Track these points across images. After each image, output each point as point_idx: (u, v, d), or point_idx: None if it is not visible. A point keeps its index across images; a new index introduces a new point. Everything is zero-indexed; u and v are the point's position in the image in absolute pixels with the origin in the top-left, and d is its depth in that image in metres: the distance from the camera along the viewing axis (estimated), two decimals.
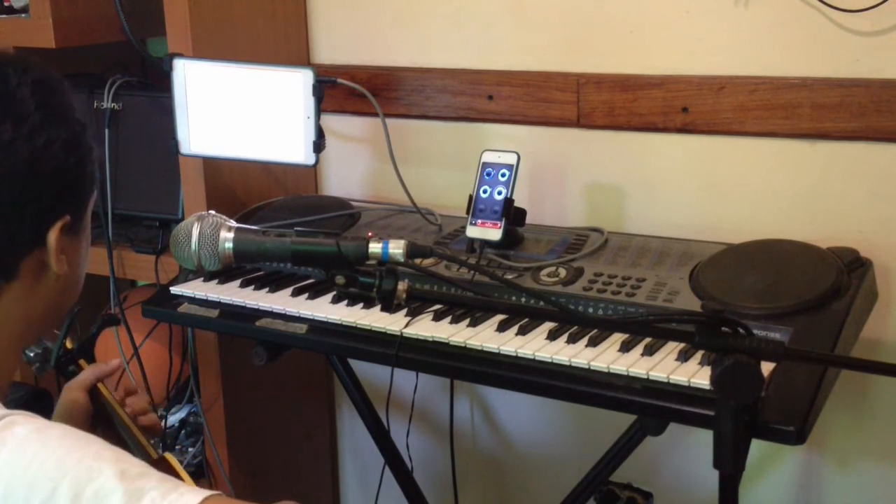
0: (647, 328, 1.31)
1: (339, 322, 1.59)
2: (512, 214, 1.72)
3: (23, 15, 1.99)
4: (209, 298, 1.72)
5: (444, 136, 2.08)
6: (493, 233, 1.71)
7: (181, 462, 1.42)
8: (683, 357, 1.38)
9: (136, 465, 0.90)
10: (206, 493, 0.88)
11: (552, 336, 1.47)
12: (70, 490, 0.86)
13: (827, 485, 1.87)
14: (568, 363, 1.40)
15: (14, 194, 1.01)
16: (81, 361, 1.49)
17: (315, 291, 1.69)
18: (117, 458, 0.90)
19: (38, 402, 1.98)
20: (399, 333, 1.52)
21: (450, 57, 2.03)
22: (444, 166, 2.08)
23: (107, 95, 2.01)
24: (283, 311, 1.64)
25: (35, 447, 0.89)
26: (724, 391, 1.11)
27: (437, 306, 1.56)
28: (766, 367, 1.22)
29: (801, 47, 1.71)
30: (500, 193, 1.71)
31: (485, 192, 1.73)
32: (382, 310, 1.57)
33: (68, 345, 1.48)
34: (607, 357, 1.40)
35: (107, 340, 2.10)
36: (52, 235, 1.04)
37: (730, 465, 1.16)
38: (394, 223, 1.93)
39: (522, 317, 1.51)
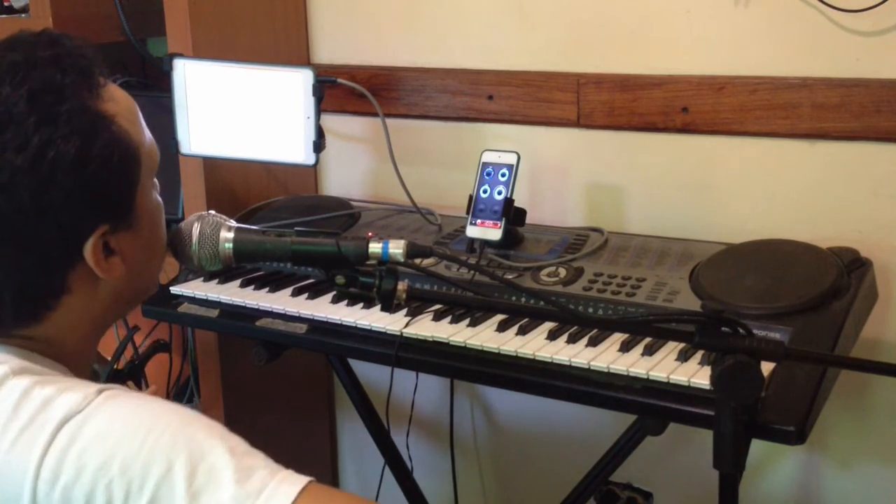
0: (647, 328, 1.31)
1: (339, 322, 1.59)
2: (512, 214, 1.71)
3: (23, 15, 1.99)
4: (209, 298, 1.72)
5: (444, 136, 2.08)
6: (493, 233, 1.71)
7: None
8: (683, 357, 1.38)
9: (240, 442, 0.91)
10: (307, 478, 0.89)
11: (552, 336, 1.47)
12: (186, 466, 0.86)
13: (827, 485, 1.87)
14: (568, 363, 1.40)
15: (27, 229, 0.95)
16: (129, 383, 1.49)
17: (315, 291, 1.69)
18: (224, 435, 0.91)
19: None
20: (399, 333, 1.52)
21: (450, 57, 2.03)
22: (444, 166, 2.08)
23: None
24: (283, 311, 1.64)
25: (147, 419, 0.89)
26: (724, 391, 1.11)
27: (437, 306, 1.56)
28: (766, 367, 1.22)
29: (801, 47, 1.70)
30: (500, 193, 1.71)
31: (485, 192, 1.73)
32: (382, 310, 1.56)
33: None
34: (607, 357, 1.40)
35: (107, 340, 2.10)
36: (88, 251, 0.98)
37: (730, 465, 1.16)
38: (394, 223, 1.93)
39: (522, 317, 1.51)
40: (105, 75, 1.02)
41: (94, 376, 1.43)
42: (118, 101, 1.02)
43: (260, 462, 0.89)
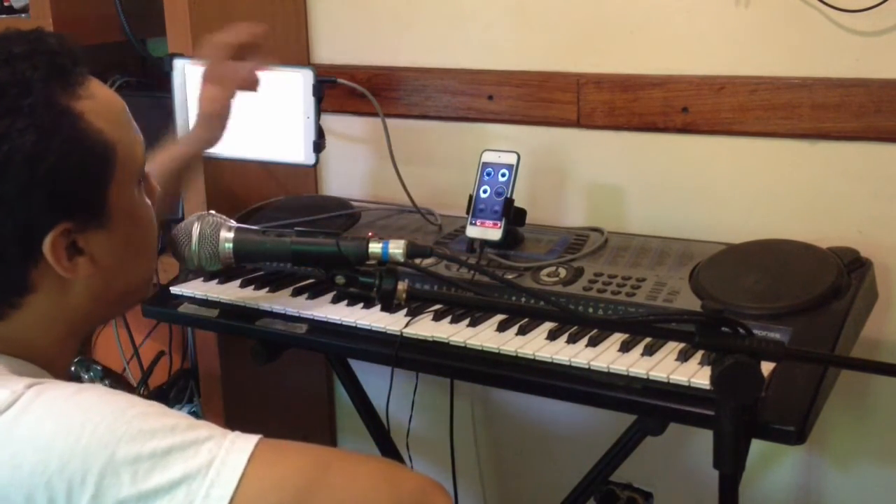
0: (647, 328, 1.31)
1: (339, 322, 1.59)
2: (512, 214, 1.72)
3: (23, 15, 1.99)
4: (209, 298, 1.72)
5: (444, 136, 2.08)
6: (493, 233, 1.71)
7: None
8: (683, 357, 1.38)
9: (182, 417, 0.90)
10: (255, 437, 0.90)
11: (552, 336, 1.47)
12: (128, 453, 0.85)
13: (827, 485, 1.87)
14: (568, 363, 1.40)
15: None
16: None
17: (315, 291, 1.69)
18: (163, 413, 0.90)
19: None
20: (399, 333, 1.52)
21: (450, 57, 2.03)
22: (444, 166, 2.08)
23: None
24: (283, 311, 1.64)
25: (81, 412, 0.87)
26: (724, 391, 1.11)
27: (437, 306, 1.56)
28: (766, 367, 1.22)
29: (801, 47, 1.70)
30: (500, 193, 1.71)
31: (485, 192, 1.73)
32: (382, 310, 1.57)
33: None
34: (607, 357, 1.40)
35: (107, 340, 2.10)
36: (47, 248, 0.95)
37: (730, 465, 1.16)
38: (394, 223, 1.93)
39: (522, 317, 1.51)
40: (85, 74, 0.99)
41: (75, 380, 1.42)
42: (97, 99, 0.99)
43: (205, 433, 0.88)
